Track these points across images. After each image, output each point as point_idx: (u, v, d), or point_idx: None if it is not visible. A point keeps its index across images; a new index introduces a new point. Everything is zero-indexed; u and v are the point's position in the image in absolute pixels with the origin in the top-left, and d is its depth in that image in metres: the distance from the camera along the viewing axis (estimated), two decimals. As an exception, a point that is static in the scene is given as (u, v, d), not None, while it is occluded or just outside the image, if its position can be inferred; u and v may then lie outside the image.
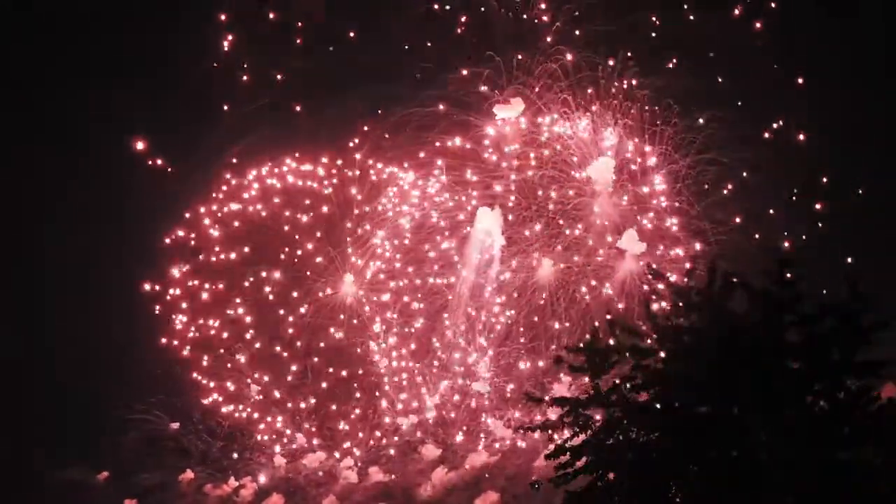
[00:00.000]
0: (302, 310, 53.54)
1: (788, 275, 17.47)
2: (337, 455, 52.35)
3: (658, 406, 17.72)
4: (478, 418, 52.00)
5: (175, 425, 52.98)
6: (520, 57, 52.56)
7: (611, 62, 52.23)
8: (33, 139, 52.91)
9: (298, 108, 54.41)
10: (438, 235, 53.15)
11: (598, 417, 17.92)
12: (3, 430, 47.58)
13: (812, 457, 16.58)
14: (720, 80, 51.96)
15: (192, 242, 54.78)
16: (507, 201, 52.58)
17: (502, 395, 51.98)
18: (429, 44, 54.12)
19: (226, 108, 54.43)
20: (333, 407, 53.18)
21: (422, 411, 52.52)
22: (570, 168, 52.45)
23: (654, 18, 53.34)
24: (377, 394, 52.99)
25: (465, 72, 52.91)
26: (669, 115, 51.85)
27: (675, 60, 52.53)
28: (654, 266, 18.46)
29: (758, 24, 52.84)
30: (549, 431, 18.20)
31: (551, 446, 18.10)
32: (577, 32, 53.53)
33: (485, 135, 53.01)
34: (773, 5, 52.81)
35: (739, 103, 51.79)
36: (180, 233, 54.55)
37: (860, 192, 51.26)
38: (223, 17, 54.90)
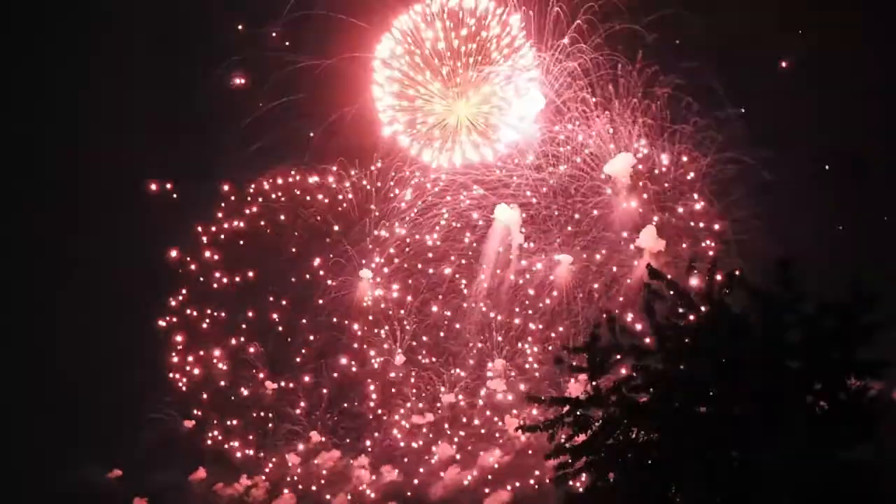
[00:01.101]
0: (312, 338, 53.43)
1: (789, 275, 17.40)
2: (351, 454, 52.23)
3: (658, 406, 17.62)
4: (493, 417, 52.00)
5: (190, 424, 52.95)
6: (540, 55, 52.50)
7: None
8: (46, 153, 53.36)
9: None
10: (457, 234, 53.17)
11: (598, 417, 17.87)
12: (20, 430, 47.94)
13: (812, 457, 16.45)
14: (740, 79, 51.72)
15: (192, 266, 54.29)
16: (525, 201, 52.54)
17: (518, 393, 51.98)
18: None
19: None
20: (347, 406, 53.19)
21: (437, 410, 52.48)
22: (589, 167, 52.33)
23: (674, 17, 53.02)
24: (392, 391, 53.02)
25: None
26: (689, 114, 51.62)
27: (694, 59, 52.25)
28: (653, 266, 18.37)
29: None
30: (549, 431, 18.13)
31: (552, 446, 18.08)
32: (597, 30, 53.35)
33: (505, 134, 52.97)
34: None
35: (759, 103, 51.48)
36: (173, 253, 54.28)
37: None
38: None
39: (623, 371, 18.03)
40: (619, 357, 17.99)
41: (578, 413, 17.93)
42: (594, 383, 17.92)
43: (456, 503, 49.22)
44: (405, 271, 53.57)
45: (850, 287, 17.05)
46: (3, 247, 51.37)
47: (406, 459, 51.57)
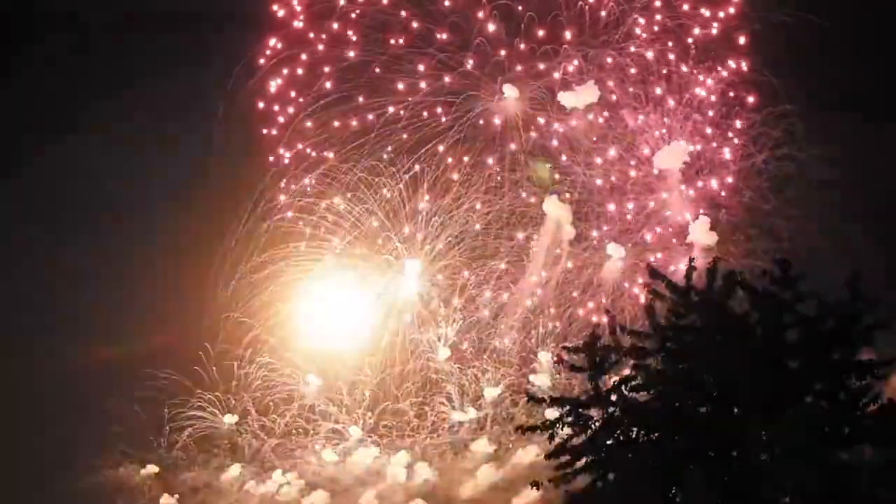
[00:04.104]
0: None
1: (789, 275, 17.33)
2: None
3: (658, 406, 17.64)
4: (533, 412, 51.62)
5: (230, 420, 52.98)
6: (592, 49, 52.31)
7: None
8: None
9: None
10: (507, 229, 53.09)
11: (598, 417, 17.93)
12: (57, 425, 48.80)
13: (812, 457, 16.38)
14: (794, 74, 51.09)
15: None
16: (576, 195, 52.38)
17: (564, 388, 51.67)
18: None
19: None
20: (389, 403, 53.21)
21: (479, 406, 52.32)
22: (640, 162, 52.04)
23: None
24: (435, 389, 52.92)
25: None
26: (743, 109, 51.11)
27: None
28: (653, 266, 18.36)
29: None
30: (549, 431, 18.28)
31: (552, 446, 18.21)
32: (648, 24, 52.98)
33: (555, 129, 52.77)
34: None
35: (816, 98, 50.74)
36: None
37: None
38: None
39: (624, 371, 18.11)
40: (618, 357, 18.06)
41: (579, 413, 18.04)
42: (594, 383, 18.00)
43: (484, 502, 49.04)
44: (452, 266, 53.49)
45: (849, 287, 16.95)
46: (50, 245, 52.82)
47: (443, 458, 51.51)
